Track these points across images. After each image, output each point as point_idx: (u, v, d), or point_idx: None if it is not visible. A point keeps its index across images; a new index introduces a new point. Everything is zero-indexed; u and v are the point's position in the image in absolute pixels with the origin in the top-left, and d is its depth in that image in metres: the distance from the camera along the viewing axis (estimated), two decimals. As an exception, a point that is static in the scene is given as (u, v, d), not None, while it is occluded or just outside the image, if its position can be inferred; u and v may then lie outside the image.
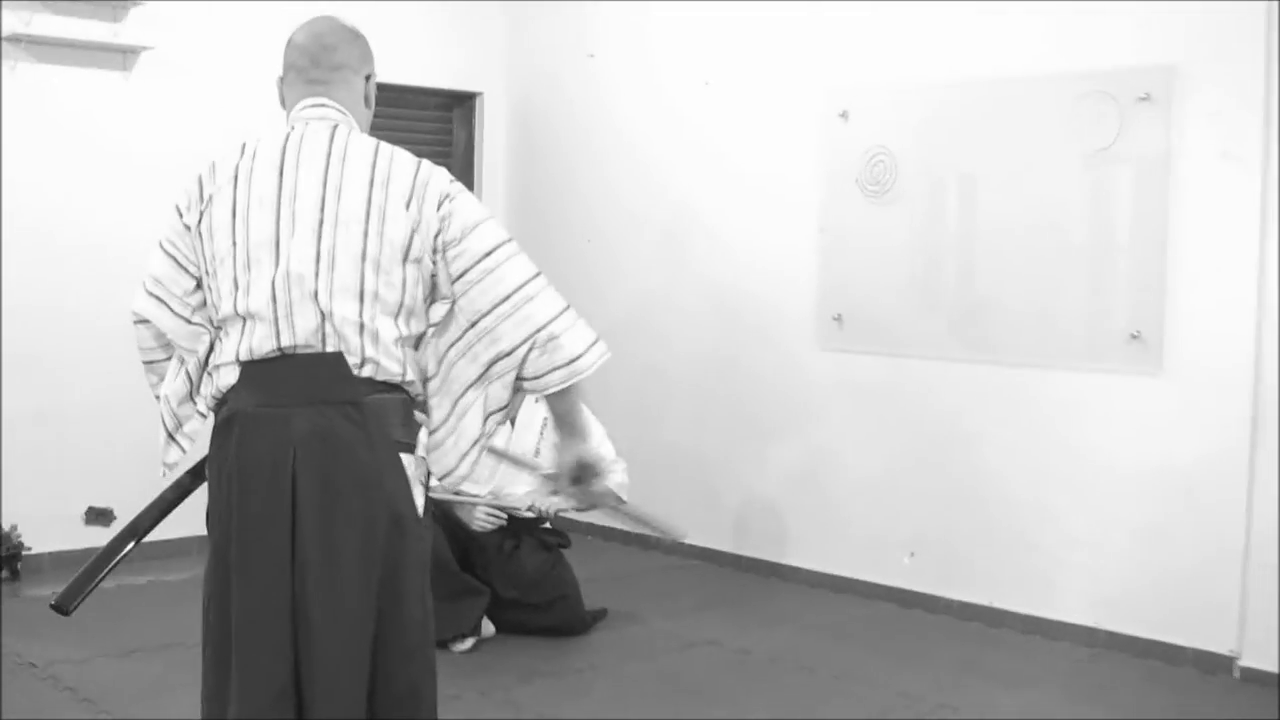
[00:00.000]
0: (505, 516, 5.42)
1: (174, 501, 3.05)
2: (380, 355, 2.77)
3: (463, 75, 7.56)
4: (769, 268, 6.47)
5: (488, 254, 2.84)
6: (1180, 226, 5.19)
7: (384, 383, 2.79)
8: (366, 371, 2.76)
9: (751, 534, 6.64)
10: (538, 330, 2.84)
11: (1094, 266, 5.41)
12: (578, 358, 2.90)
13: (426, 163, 2.90)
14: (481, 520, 5.38)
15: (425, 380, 2.90)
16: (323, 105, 2.95)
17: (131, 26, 6.28)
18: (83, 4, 6.11)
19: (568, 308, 2.90)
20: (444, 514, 5.36)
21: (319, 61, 2.97)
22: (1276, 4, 4.91)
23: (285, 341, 2.74)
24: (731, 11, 6.58)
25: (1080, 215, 5.43)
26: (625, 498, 5.54)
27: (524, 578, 5.41)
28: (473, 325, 2.85)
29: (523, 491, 5.45)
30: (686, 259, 6.85)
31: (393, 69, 7.14)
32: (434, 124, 7.65)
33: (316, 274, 2.75)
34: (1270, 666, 5.00)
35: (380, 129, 8.03)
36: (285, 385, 2.75)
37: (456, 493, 5.47)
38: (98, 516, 6.28)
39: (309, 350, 2.74)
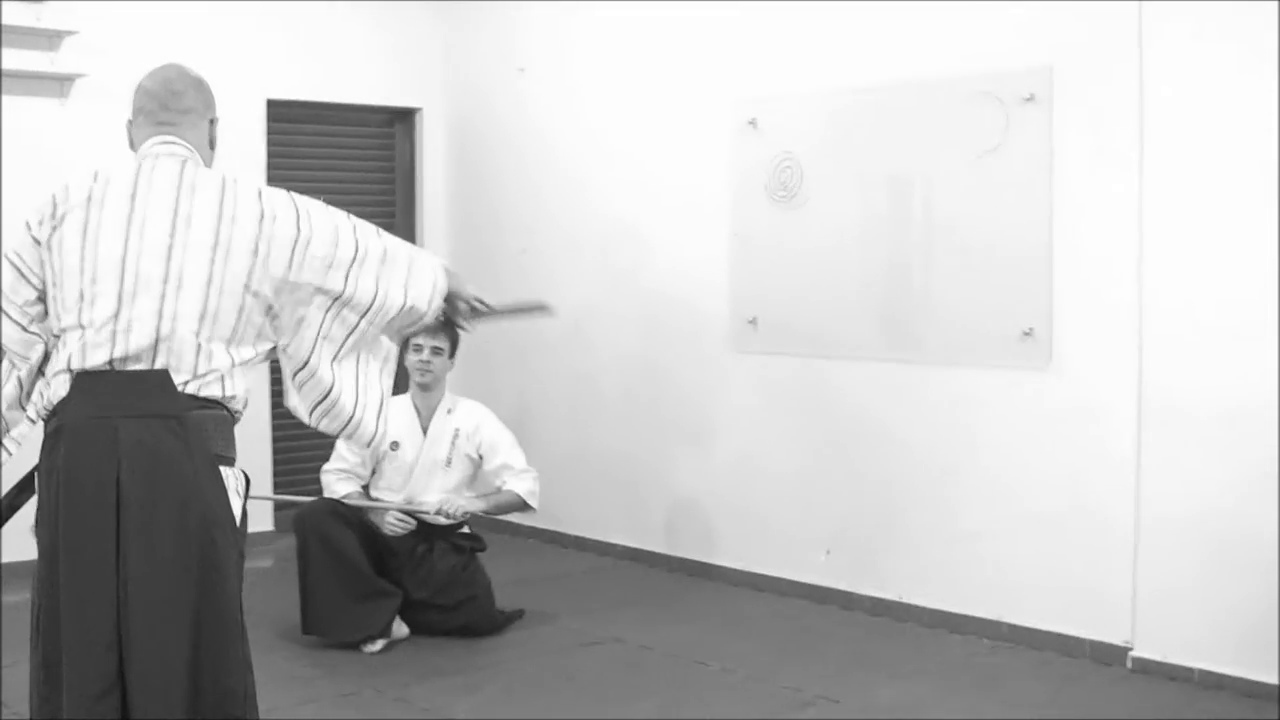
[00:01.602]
0: (415, 521, 5.57)
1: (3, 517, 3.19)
2: (208, 375, 2.95)
3: (402, 92, 7.74)
4: (687, 274, 6.62)
5: (354, 259, 3.18)
6: (1064, 225, 5.30)
7: (206, 399, 2.96)
8: (191, 389, 2.94)
9: (677, 534, 6.77)
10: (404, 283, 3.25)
11: (987, 265, 5.51)
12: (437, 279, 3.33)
13: (267, 192, 3.10)
14: (393, 525, 5.54)
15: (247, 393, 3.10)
16: (172, 143, 3.14)
17: (66, 55, 6.50)
18: (19, 35, 6.33)
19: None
20: (358, 519, 5.53)
21: (167, 105, 3.18)
22: (1143, 5, 5.01)
23: (118, 354, 2.91)
24: (647, 28, 6.77)
25: (973, 215, 5.54)
26: (535, 506, 5.73)
27: (435, 579, 5.56)
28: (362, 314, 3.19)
29: (434, 499, 5.61)
30: (613, 268, 7.01)
31: (334, 87, 7.46)
32: (376, 140, 7.84)
33: (162, 295, 2.93)
34: (1160, 656, 5.08)
35: (324, 145, 8.28)
36: (113, 397, 2.92)
37: (371, 499, 5.65)
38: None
39: (138, 366, 2.92)
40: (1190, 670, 4.97)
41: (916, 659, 5.31)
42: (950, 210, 5.61)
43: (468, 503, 5.65)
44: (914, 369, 5.78)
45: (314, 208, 3.16)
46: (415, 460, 5.69)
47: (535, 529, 7.25)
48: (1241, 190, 4.80)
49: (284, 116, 7.33)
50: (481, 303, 3.48)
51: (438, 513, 5.53)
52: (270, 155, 7.20)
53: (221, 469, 3.00)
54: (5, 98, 6.40)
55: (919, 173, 5.71)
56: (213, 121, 3.26)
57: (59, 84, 6.54)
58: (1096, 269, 5.23)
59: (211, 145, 3.26)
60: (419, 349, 5.64)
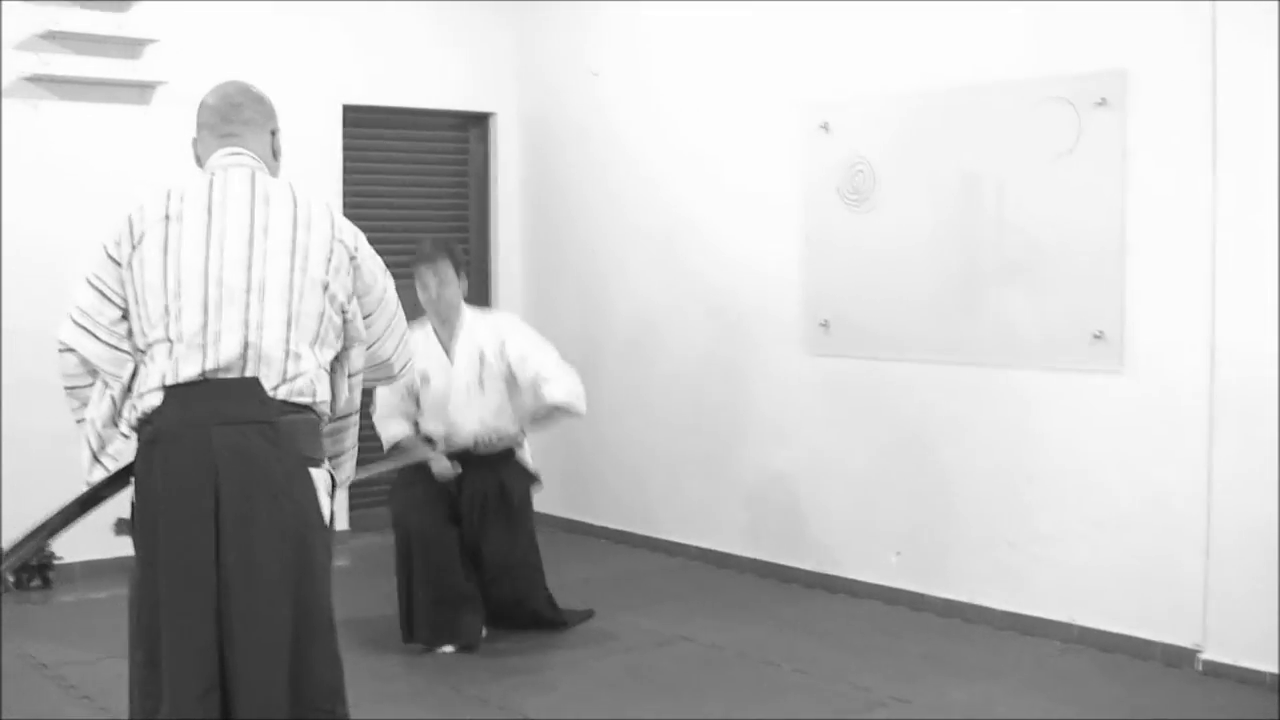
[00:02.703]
0: (459, 464, 5.49)
1: (88, 504, 3.29)
2: (297, 380, 3.06)
3: (475, 96, 7.85)
4: (760, 276, 6.68)
5: (381, 301, 3.34)
6: (1137, 227, 5.30)
7: (295, 404, 3.06)
8: (281, 394, 3.04)
9: (749, 535, 6.83)
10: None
11: (1059, 268, 5.52)
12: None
13: (335, 210, 3.29)
14: (440, 474, 5.47)
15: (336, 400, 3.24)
16: (238, 153, 3.27)
17: (149, 62, 6.64)
18: (102, 43, 6.49)
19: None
20: (447, 500, 5.52)
21: (229, 118, 3.31)
22: (1216, 6, 5.00)
23: (209, 365, 3.02)
24: (719, 30, 6.83)
25: (1045, 218, 5.55)
26: (581, 409, 5.59)
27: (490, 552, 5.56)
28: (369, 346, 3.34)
29: (473, 428, 5.52)
30: (684, 268, 7.07)
31: (409, 92, 7.57)
32: (451, 144, 7.94)
33: (246, 304, 3.04)
34: (1231, 659, 5.07)
35: (400, 150, 8.41)
36: (206, 406, 3.03)
37: (422, 438, 5.61)
38: (127, 526, 6.61)
39: (229, 375, 3.02)
40: (1261, 674, 4.96)
41: (987, 660, 5.34)
42: (1022, 213, 5.62)
43: (504, 428, 5.53)
44: (986, 371, 5.80)
45: (367, 245, 3.34)
46: (447, 390, 5.53)
47: (607, 529, 7.33)
48: (1315, 193, 4.79)
49: (360, 122, 7.45)
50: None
51: (475, 447, 5.49)
52: (346, 160, 7.33)
53: (311, 470, 3.10)
54: (89, 105, 6.56)
55: (991, 176, 5.72)
56: (274, 132, 3.39)
57: (140, 91, 6.69)
58: (1168, 272, 5.22)
59: (275, 155, 3.39)
60: (425, 287, 5.51)
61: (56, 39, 6.40)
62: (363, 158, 7.47)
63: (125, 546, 6.44)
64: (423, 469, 5.52)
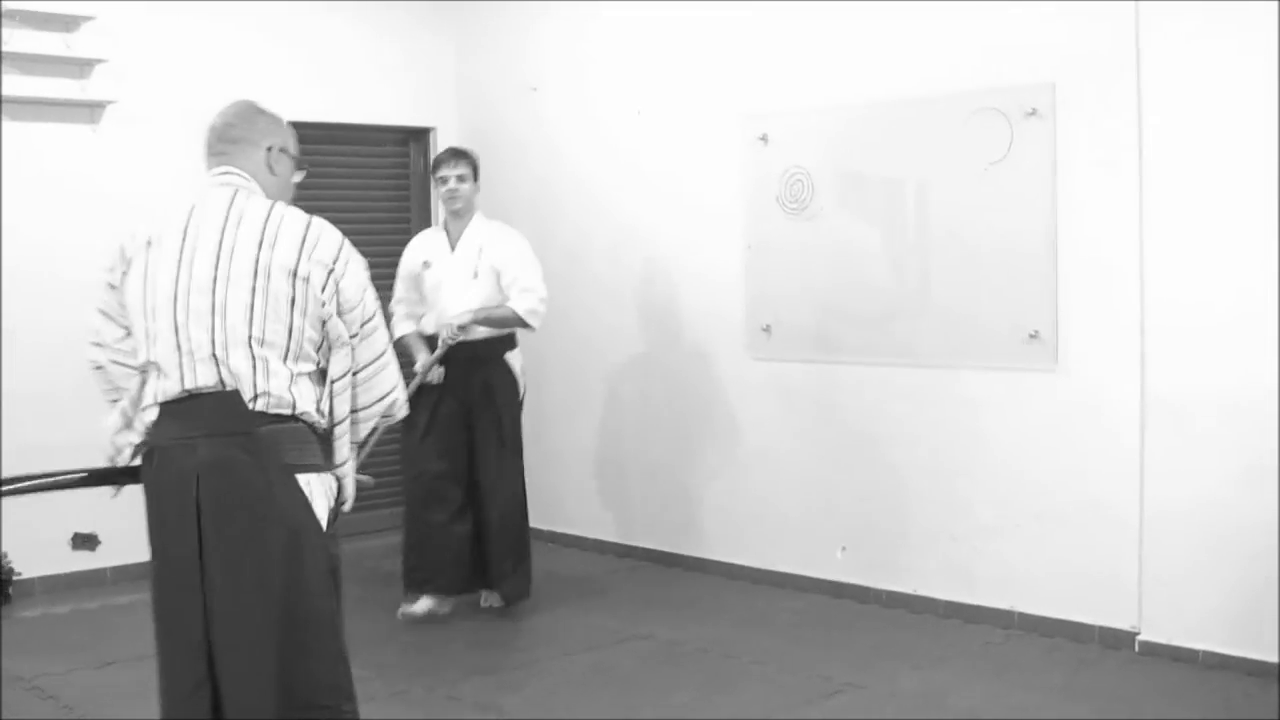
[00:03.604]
0: (441, 367, 6.02)
1: (94, 481, 3.46)
2: (271, 391, 3.20)
3: (415, 111, 7.99)
4: (702, 284, 6.89)
5: (366, 322, 3.37)
6: (1068, 232, 5.57)
7: (275, 415, 3.21)
8: (259, 406, 3.20)
9: (698, 535, 7.03)
10: (384, 395, 3.44)
11: (995, 271, 5.78)
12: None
13: (317, 223, 3.33)
14: (430, 381, 6.03)
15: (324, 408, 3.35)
16: (226, 172, 3.40)
17: (97, 82, 6.71)
18: (51, 63, 6.55)
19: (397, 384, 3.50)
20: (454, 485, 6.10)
21: (221, 137, 3.45)
22: (1139, 21, 5.28)
23: (189, 384, 3.21)
24: (659, 44, 7.04)
25: (979, 224, 5.81)
26: (533, 325, 6.13)
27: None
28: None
29: (455, 314, 6.01)
30: (627, 278, 7.28)
31: (350, 108, 7.68)
32: (392, 159, 8.07)
33: (211, 326, 3.21)
34: (1166, 640, 5.36)
35: (341, 165, 8.46)
36: (192, 420, 3.21)
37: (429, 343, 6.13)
38: (84, 541, 6.69)
39: (211, 390, 3.19)
40: (1195, 652, 5.25)
41: (935, 648, 5.58)
42: (957, 220, 5.88)
43: (457, 317, 5.97)
44: (925, 372, 6.05)
45: (355, 262, 3.37)
46: (443, 276, 6.09)
47: (555, 533, 7.50)
48: (1238, 195, 5.09)
49: (302, 138, 7.45)
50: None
51: (443, 341, 5.93)
52: (292, 175, 7.42)
53: (299, 477, 3.23)
54: (38, 125, 6.61)
55: (927, 184, 5.98)
56: (270, 149, 3.46)
57: (90, 110, 6.75)
58: (1099, 273, 5.50)
59: (272, 171, 3.47)
60: (444, 180, 6.15)
61: (5, 59, 6.44)
62: (308, 174, 7.55)
63: (83, 561, 6.57)
64: (424, 413, 6.00)
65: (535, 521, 7.20)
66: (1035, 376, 5.70)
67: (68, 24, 6.61)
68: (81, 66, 6.69)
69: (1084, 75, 5.49)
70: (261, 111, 3.52)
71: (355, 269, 3.35)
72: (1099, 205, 5.48)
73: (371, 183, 7.98)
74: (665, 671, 5.38)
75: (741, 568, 6.78)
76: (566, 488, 7.58)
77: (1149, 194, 5.33)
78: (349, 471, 3.40)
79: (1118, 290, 5.44)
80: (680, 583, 6.79)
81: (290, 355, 3.24)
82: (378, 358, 3.39)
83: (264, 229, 3.25)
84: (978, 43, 5.79)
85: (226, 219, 3.27)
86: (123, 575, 6.62)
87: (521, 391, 6.22)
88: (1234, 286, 5.12)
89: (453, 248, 6.13)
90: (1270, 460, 5.04)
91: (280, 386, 3.20)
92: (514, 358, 6.20)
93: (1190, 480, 5.26)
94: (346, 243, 3.36)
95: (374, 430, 3.51)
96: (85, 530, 6.69)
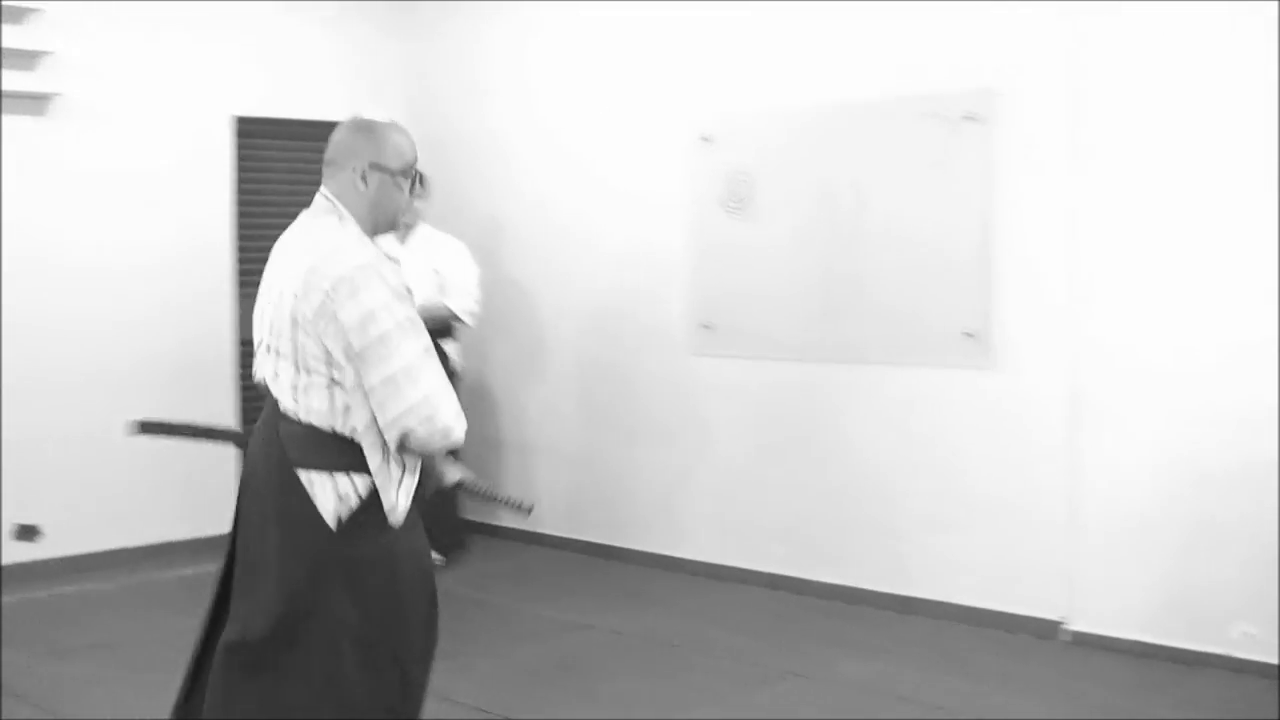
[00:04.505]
0: None
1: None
2: (282, 396, 3.33)
3: (364, 109, 8.00)
4: (644, 282, 7.02)
5: (367, 347, 3.22)
6: (1002, 233, 5.75)
7: (294, 419, 3.32)
8: (291, 413, 3.32)
9: (639, 529, 7.15)
10: (396, 417, 3.24)
11: (931, 272, 5.94)
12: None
13: (343, 249, 3.26)
14: None
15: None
16: (321, 196, 3.44)
17: (43, 74, 6.73)
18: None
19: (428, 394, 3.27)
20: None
21: (326, 160, 3.48)
22: (1076, 29, 5.47)
23: (255, 376, 3.46)
24: (605, 48, 7.16)
25: (917, 225, 5.97)
26: (468, 322, 6.70)
27: None
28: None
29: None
30: (571, 276, 7.39)
31: (297, 104, 7.73)
32: (339, 156, 8.10)
33: (266, 350, 3.37)
34: (1093, 629, 5.55)
35: (289, 161, 8.45)
36: (266, 414, 3.43)
37: None
38: (24, 532, 6.69)
39: (262, 384, 3.42)
40: (1121, 641, 5.45)
41: (872, 638, 5.72)
42: (896, 221, 6.04)
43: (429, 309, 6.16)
44: (863, 369, 6.20)
45: (364, 290, 3.23)
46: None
47: (497, 527, 7.58)
48: (1168, 198, 5.29)
49: (251, 133, 7.60)
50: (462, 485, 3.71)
51: None
52: (240, 170, 7.48)
53: (302, 473, 3.28)
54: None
55: (866, 186, 6.13)
56: (368, 168, 3.38)
57: (36, 102, 6.76)
58: (1033, 274, 5.68)
59: (357, 189, 3.39)
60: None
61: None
62: (254, 168, 7.61)
63: (21, 552, 6.55)
64: None
65: (478, 515, 7.31)
66: (970, 374, 5.87)
67: (15, 14, 6.61)
68: (29, 58, 6.68)
69: (1021, 82, 5.67)
70: (359, 129, 3.46)
71: (358, 298, 3.22)
72: (1033, 208, 5.66)
73: (319, 179, 7.98)
74: (610, 660, 5.49)
75: (682, 560, 6.91)
76: (508, 482, 7.67)
77: (1081, 197, 5.51)
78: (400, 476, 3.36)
79: (1050, 290, 5.62)
80: (621, 575, 6.90)
81: (299, 368, 3.32)
82: (384, 381, 3.22)
83: (308, 278, 3.25)
84: (918, 48, 5.96)
85: (297, 255, 3.33)
86: (71, 566, 6.68)
87: (459, 379, 6.47)
88: (1163, 287, 5.31)
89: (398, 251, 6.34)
90: (1190, 457, 5.24)
91: (288, 394, 3.32)
92: (450, 347, 6.60)
93: (1117, 475, 5.45)
94: (360, 272, 3.22)
95: (406, 437, 3.27)
96: (27, 521, 6.68)
